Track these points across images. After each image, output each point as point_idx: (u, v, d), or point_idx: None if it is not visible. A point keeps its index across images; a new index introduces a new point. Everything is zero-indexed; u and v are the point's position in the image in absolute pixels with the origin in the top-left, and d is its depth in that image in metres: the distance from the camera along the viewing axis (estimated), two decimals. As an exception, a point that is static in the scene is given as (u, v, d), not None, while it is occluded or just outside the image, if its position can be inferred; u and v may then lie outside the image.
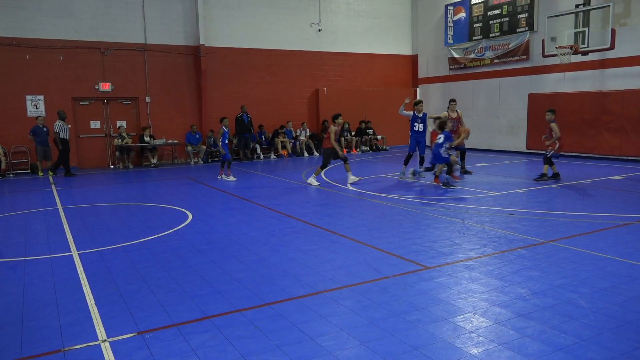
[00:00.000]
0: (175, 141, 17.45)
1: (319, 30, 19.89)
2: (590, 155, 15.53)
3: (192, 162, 17.64)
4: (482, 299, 4.54)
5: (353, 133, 20.35)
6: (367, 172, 13.74)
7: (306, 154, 19.04)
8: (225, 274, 5.41)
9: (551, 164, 11.24)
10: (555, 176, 11.18)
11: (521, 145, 17.58)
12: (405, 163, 12.24)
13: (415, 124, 12.09)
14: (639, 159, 14.35)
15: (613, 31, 13.74)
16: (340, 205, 9.21)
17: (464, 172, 12.68)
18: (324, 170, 12.01)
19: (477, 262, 5.60)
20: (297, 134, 19.31)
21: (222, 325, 4.09)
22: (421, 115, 12.14)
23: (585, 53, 14.71)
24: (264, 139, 18.81)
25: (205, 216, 8.51)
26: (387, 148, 20.97)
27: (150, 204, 9.75)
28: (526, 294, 4.63)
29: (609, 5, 13.76)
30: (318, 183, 11.56)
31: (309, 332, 3.93)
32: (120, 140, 16.52)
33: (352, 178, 11.60)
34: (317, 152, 19.20)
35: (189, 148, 17.61)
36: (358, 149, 20.19)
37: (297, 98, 19.88)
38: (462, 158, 12.77)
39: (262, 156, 18.53)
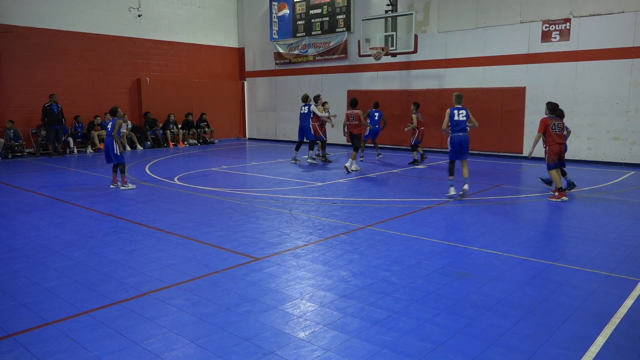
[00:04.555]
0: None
1: (139, 15, 18.66)
2: (399, 147, 17.34)
3: (-12, 158, 15.19)
4: (309, 284, 4.77)
5: (180, 125, 19.63)
6: (196, 166, 13.40)
7: (128, 148, 17.79)
8: (33, 284, 4.79)
9: (415, 149, 13.45)
10: (414, 162, 13.45)
11: (342, 139, 18.83)
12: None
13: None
14: (435, 150, 16.46)
15: (416, 37, 15.50)
16: (167, 202, 8.82)
17: (324, 161, 14.02)
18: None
19: (304, 250, 5.86)
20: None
21: (28, 342, 3.61)
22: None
23: (394, 55, 16.33)
24: (79, 131, 17.04)
25: (5, 220, 7.41)
26: (216, 141, 20.70)
27: None
28: (347, 276, 5.00)
29: (412, 14, 15.49)
30: (359, 168, 12.39)
31: (133, 337, 3.70)
32: None
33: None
34: (140, 145, 18.08)
35: (-17, 142, 15.11)
36: (185, 142, 19.55)
37: (116, 87, 18.39)
38: (323, 148, 14.26)
39: (75, 150, 16.79)
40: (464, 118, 8.72)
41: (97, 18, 17.55)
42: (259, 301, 4.36)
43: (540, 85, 14.16)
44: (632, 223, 7.07)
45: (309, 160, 13.84)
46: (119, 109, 10.10)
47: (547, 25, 13.91)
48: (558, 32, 13.76)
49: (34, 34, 16.08)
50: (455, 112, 8.78)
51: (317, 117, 13.71)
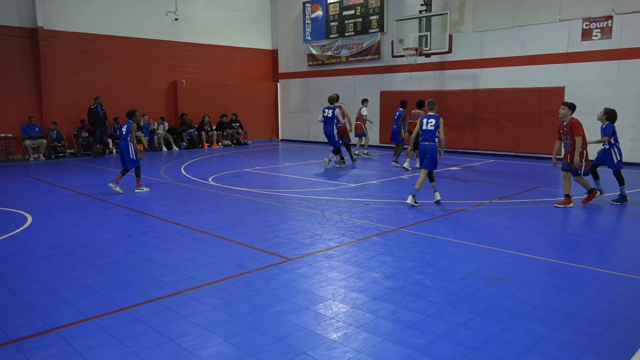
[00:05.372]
0: (9, 135, 15.46)
1: (176, 19, 19.07)
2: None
3: (32, 159, 15.80)
4: (341, 285, 4.77)
5: (214, 127, 19.94)
6: (230, 167, 13.58)
7: (165, 149, 18.20)
8: (74, 281, 4.95)
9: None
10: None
11: (375, 139, 18.74)
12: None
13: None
14: (472, 151, 16.19)
15: (450, 36, 15.29)
16: (202, 201, 8.97)
17: (353, 161, 13.99)
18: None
19: (336, 251, 5.86)
20: (155, 127, 18.34)
21: (69, 337, 3.74)
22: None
23: (428, 55, 16.16)
24: (118, 133, 17.53)
25: (48, 218, 7.69)
26: (249, 142, 20.93)
27: (-21, 207, 8.54)
28: (380, 278, 4.97)
29: (447, 13, 15.29)
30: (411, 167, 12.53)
31: (169, 334, 3.78)
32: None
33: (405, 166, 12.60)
34: (176, 146, 18.45)
35: (27, 142, 15.73)
36: (220, 143, 19.85)
37: (153, 90, 18.85)
38: (348, 149, 13.97)
39: (115, 151, 17.27)
40: (432, 128, 8.18)
41: (135, 22, 18.02)
42: (292, 301, 4.38)
43: (580, 85, 13.74)
44: (679, 228, 6.78)
45: (336, 165, 13.28)
46: (136, 112, 9.86)
47: (588, 23, 13.50)
48: (599, 30, 13.33)
49: (76, 38, 16.64)
50: (425, 120, 8.31)
51: (339, 120, 13.11)
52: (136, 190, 9.81)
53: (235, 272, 5.14)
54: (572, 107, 7.98)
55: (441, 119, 8.29)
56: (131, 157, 9.65)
